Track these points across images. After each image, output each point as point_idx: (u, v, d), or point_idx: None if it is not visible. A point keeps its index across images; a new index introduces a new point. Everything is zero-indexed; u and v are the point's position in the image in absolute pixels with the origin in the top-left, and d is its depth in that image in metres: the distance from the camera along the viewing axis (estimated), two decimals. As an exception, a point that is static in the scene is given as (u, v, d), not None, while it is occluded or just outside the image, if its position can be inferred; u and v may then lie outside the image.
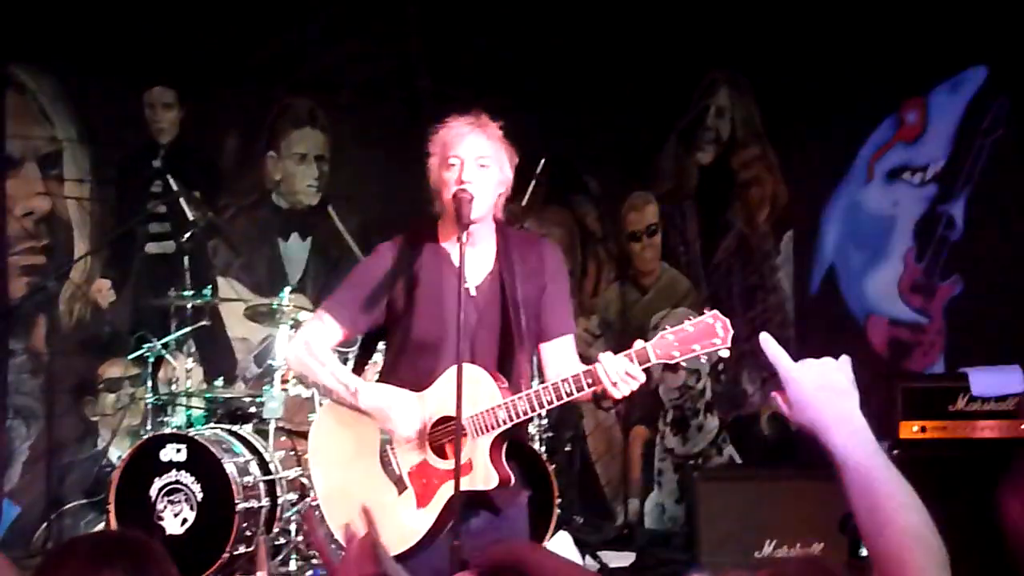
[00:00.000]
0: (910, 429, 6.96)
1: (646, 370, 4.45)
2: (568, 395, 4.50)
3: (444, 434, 4.66)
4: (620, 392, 4.41)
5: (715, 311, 4.49)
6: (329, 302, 5.05)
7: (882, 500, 2.32)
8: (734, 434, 10.09)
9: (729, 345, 4.46)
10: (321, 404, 7.82)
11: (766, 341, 2.53)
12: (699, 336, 4.45)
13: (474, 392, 4.51)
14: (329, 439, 4.96)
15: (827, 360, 2.49)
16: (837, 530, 6.90)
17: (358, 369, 5.18)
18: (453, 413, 4.51)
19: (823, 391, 2.45)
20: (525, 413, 4.55)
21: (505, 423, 4.55)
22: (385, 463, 4.76)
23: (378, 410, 4.72)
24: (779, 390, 2.52)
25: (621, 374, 4.38)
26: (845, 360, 2.51)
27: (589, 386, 4.47)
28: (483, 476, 4.58)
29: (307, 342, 4.93)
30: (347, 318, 4.89)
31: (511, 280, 4.76)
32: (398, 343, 4.88)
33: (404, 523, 4.67)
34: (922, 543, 2.29)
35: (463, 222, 4.53)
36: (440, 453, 4.68)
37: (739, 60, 10.03)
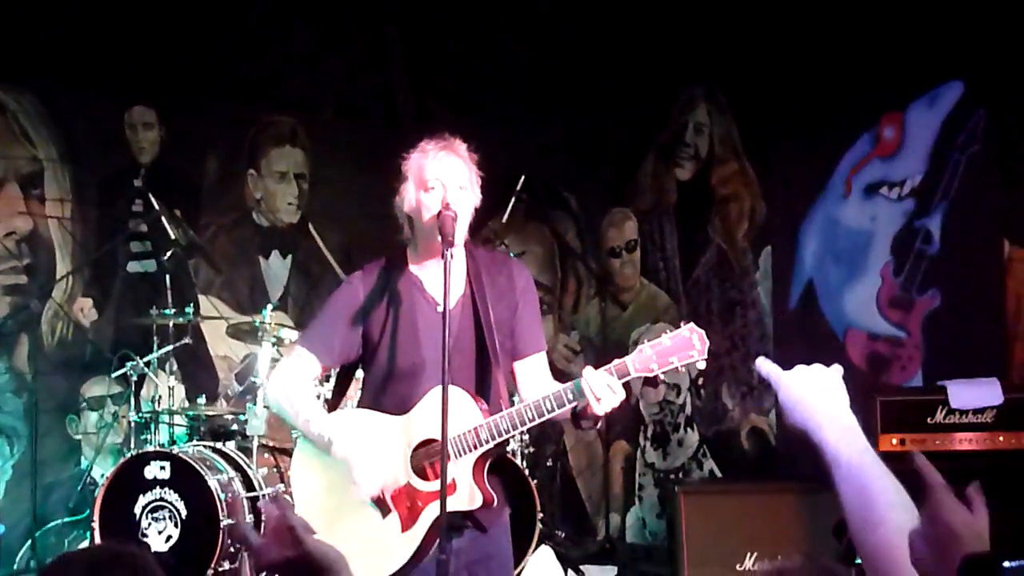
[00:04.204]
0: (889, 442, 7.01)
1: (625, 384, 4.51)
2: (549, 412, 4.54)
3: (427, 456, 4.68)
4: (603, 408, 4.46)
5: (691, 324, 4.57)
6: (304, 337, 5.09)
7: (875, 497, 2.36)
8: (714, 449, 10.12)
9: (706, 357, 4.55)
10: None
11: (760, 366, 2.63)
12: (677, 349, 4.52)
13: (455, 413, 4.50)
14: (312, 465, 4.92)
15: (817, 366, 2.59)
16: (825, 542, 6.92)
17: (338, 395, 5.20)
18: (434, 435, 4.54)
19: (813, 391, 2.52)
20: (507, 432, 4.58)
21: (487, 442, 4.58)
22: (368, 488, 4.77)
23: (347, 465, 4.72)
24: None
25: (604, 389, 4.43)
26: (836, 368, 2.60)
27: (570, 402, 4.52)
28: (467, 496, 4.60)
29: (285, 381, 4.94)
30: (323, 352, 4.92)
31: (483, 301, 4.78)
32: (376, 370, 4.88)
33: (389, 546, 4.68)
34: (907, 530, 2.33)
35: (448, 240, 4.53)
36: (423, 475, 4.68)
37: (717, 76, 10.07)
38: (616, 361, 4.52)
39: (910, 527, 2.31)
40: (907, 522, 2.33)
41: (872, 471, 2.42)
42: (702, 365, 4.56)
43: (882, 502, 2.36)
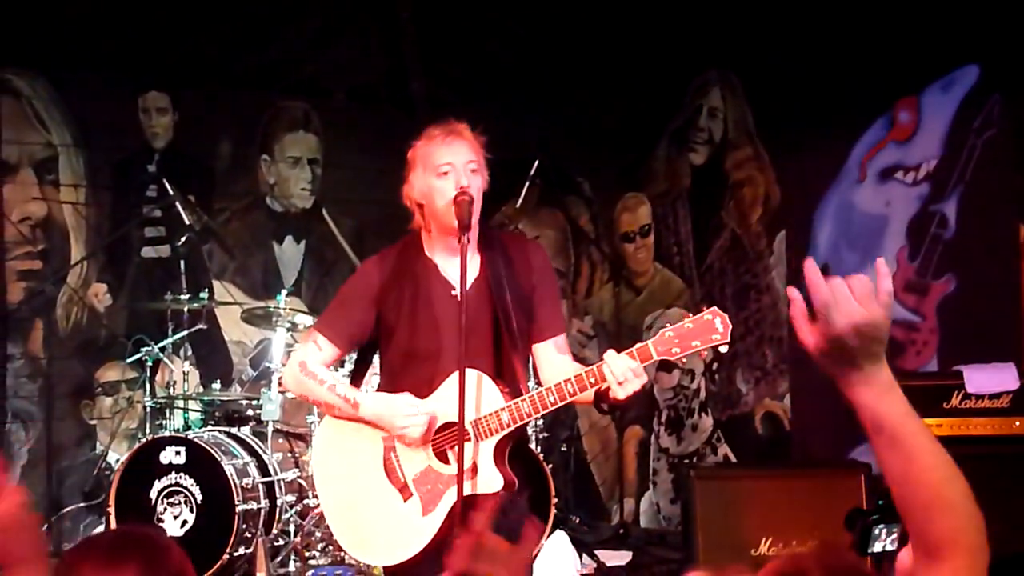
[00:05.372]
0: (904, 427, 6.99)
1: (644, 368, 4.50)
2: (571, 395, 4.52)
3: (447, 439, 4.68)
4: (625, 391, 4.43)
5: (714, 307, 4.52)
6: (320, 322, 5.08)
7: (922, 475, 2.26)
8: (728, 433, 10.12)
9: (729, 340, 4.48)
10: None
11: (810, 267, 2.34)
12: (699, 332, 4.48)
13: (476, 396, 4.53)
14: (331, 451, 4.95)
15: (865, 283, 2.27)
16: (840, 528, 6.91)
17: (355, 382, 5.16)
18: (455, 418, 4.53)
19: (863, 339, 2.26)
20: (528, 415, 4.57)
21: (508, 425, 4.58)
22: (389, 471, 4.76)
23: (381, 418, 4.74)
24: (811, 319, 2.32)
25: (626, 372, 4.41)
26: (886, 274, 2.30)
27: (592, 385, 4.49)
28: (488, 479, 4.59)
29: (302, 363, 4.93)
30: (339, 336, 4.92)
31: (499, 283, 4.77)
32: (393, 355, 4.89)
33: (411, 530, 4.70)
34: (959, 506, 2.26)
35: (464, 225, 4.55)
36: (444, 458, 4.69)
37: (731, 60, 10.06)
38: (638, 345, 4.49)
39: (960, 489, 2.23)
40: (956, 493, 2.24)
41: (917, 441, 2.28)
42: (724, 349, 4.53)
43: (932, 480, 2.25)
